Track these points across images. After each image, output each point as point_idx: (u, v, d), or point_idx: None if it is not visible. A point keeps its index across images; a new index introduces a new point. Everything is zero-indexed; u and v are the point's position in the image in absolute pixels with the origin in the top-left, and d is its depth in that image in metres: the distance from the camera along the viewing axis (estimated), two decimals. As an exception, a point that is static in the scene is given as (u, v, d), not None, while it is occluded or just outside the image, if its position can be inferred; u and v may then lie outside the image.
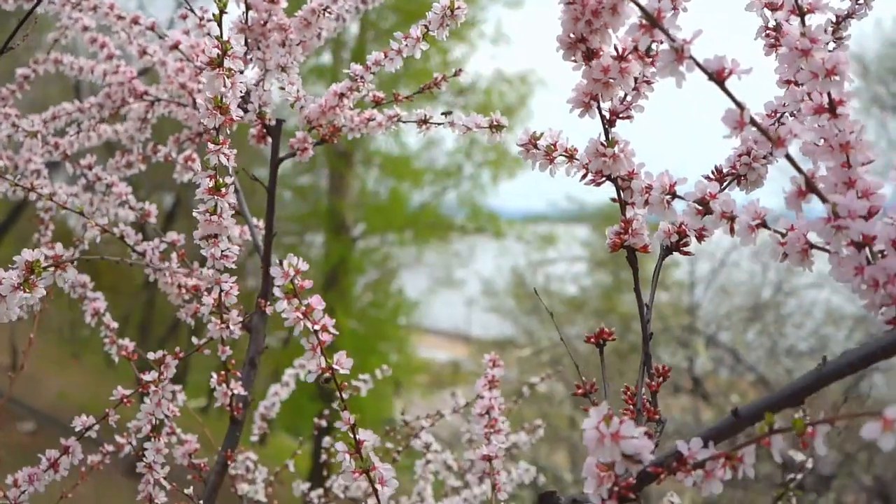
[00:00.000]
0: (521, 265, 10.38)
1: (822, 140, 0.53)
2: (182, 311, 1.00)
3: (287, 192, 11.17)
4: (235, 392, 0.95)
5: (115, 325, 1.07)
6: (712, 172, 0.67)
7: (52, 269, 0.65)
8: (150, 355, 0.89)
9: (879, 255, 0.51)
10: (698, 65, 0.49)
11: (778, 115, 0.67)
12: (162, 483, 0.92)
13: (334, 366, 0.62)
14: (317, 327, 0.61)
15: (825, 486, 5.63)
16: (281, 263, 0.60)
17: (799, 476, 1.08)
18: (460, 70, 0.97)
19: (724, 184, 0.66)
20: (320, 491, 1.34)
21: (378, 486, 0.63)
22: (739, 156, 0.66)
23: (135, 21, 1.08)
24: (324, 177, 11.43)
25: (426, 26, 0.84)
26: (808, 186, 0.51)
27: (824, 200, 0.50)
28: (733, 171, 0.66)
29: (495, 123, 0.80)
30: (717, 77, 0.50)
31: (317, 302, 0.61)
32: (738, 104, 0.50)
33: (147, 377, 0.88)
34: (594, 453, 0.49)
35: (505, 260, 10.57)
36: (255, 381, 1.00)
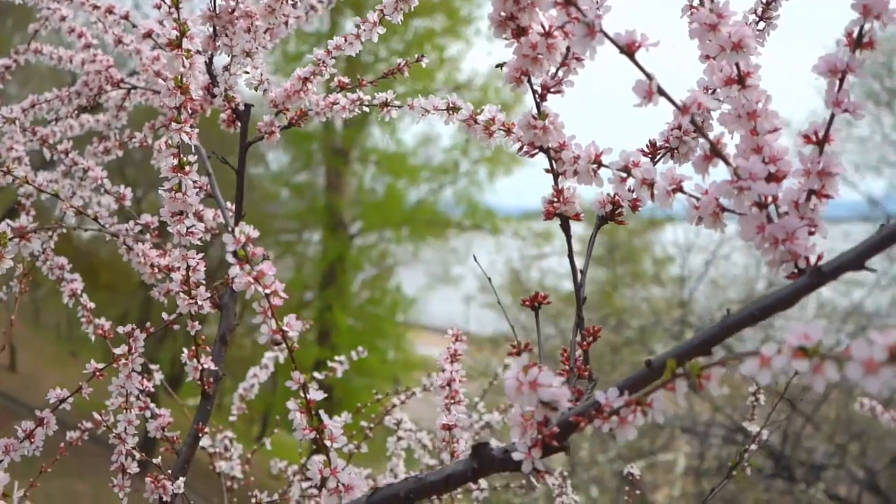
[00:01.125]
0: (517, 261, 10.41)
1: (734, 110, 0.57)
2: (155, 290, 1.04)
3: (284, 190, 11.21)
4: (206, 367, 0.98)
5: (91, 305, 1.11)
6: (646, 146, 0.71)
7: (16, 239, 0.68)
8: (120, 329, 0.92)
9: (785, 215, 0.54)
10: (609, 38, 0.53)
11: (710, 90, 0.70)
12: (133, 454, 0.96)
13: (284, 328, 0.65)
14: (268, 291, 0.64)
15: (815, 477, 5.68)
16: (233, 232, 0.63)
17: (753, 447, 1.11)
18: (422, 56, 1.01)
19: (658, 156, 0.70)
20: (296, 467, 1.38)
21: (328, 443, 0.67)
22: (671, 129, 0.69)
23: (109, 10, 1.11)
24: (321, 174, 11.47)
25: (382, 10, 0.88)
26: (714, 151, 0.54)
27: (728, 164, 0.54)
28: (666, 144, 0.70)
29: (451, 106, 0.84)
30: (628, 50, 0.53)
31: (268, 268, 0.65)
32: (647, 75, 0.53)
33: (118, 350, 0.92)
34: (514, 401, 0.53)
35: (499, 256, 10.60)
36: (225, 356, 1.03)
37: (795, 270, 0.53)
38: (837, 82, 0.54)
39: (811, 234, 0.54)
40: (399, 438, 1.33)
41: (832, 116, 0.54)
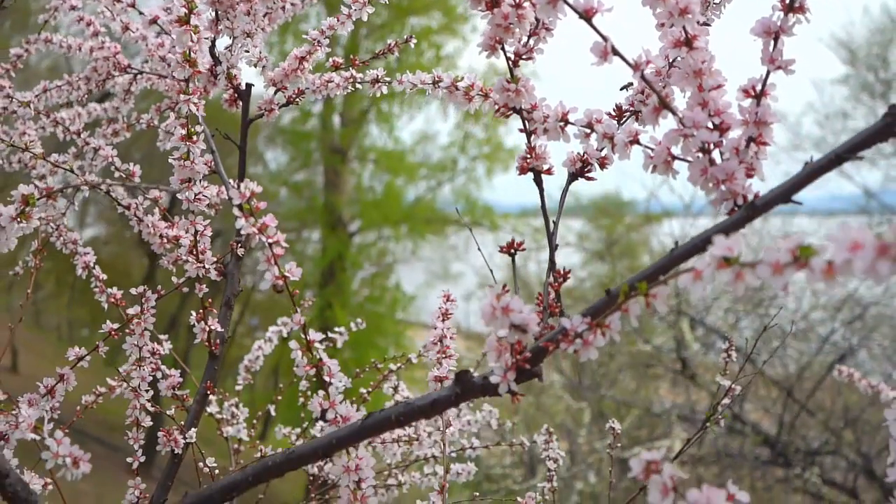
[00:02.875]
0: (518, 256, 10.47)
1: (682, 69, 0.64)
2: (164, 258, 1.11)
3: (283, 189, 11.27)
4: (213, 329, 1.06)
5: (104, 276, 1.18)
6: (613, 109, 0.78)
7: (43, 199, 0.75)
8: (132, 290, 1.00)
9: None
10: (569, 5, 0.60)
11: (670, 59, 0.78)
12: (147, 407, 1.03)
13: (286, 273, 0.72)
14: (271, 240, 0.71)
15: (810, 462, 5.76)
16: (238, 187, 0.70)
17: (726, 401, 1.18)
18: (411, 37, 1.08)
19: (624, 118, 0.77)
20: (298, 430, 1.45)
21: (327, 379, 0.74)
22: (636, 94, 0.77)
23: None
24: (319, 173, 11.53)
25: (371, -9, 0.95)
26: (662, 103, 0.62)
27: (675, 114, 0.61)
28: (631, 107, 0.77)
29: (436, 79, 0.91)
30: (586, 15, 0.60)
31: (270, 220, 0.72)
32: (603, 37, 0.60)
33: (131, 311, 0.99)
34: (489, 324, 0.60)
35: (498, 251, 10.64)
36: (230, 320, 1.11)
37: (735, 207, 0.60)
38: (772, 42, 0.61)
39: (749, 176, 0.61)
40: (397, 403, 1.39)
41: (767, 72, 0.61)
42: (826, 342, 6.62)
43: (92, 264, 1.19)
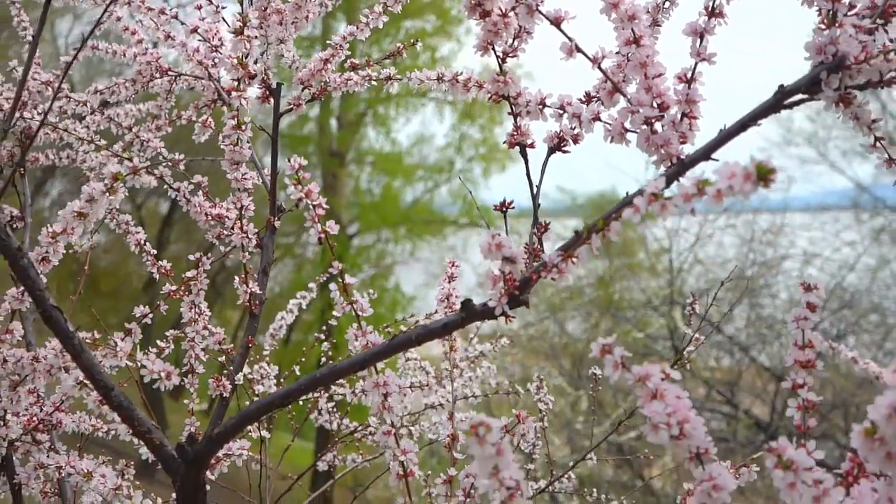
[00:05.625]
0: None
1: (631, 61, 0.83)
2: (209, 233, 1.30)
3: (282, 193, 11.44)
4: (253, 291, 1.25)
5: (154, 251, 1.37)
6: (584, 95, 0.97)
7: (131, 175, 0.94)
8: (190, 257, 1.19)
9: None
10: (543, 15, 0.79)
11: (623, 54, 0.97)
12: (200, 356, 1.22)
13: (327, 228, 0.92)
14: (315, 203, 0.91)
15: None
16: (289, 160, 0.90)
17: (691, 348, 1.37)
18: (417, 40, 1.27)
19: (592, 102, 0.96)
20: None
21: (360, 313, 0.93)
22: (599, 82, 0.96)
23: (161, 12, 1.37)
24: (317, 177, 11.71)
25: (385, 3, 1.14)
26: (615, 88, 0.81)
27: (624, 95, 0.80)
28: (597, 93, 0.96)
29: (440, 75, 1.10)
30: (556, 22, 0.80)
31: (314, 187, 0.91)
32: (569, 38, 0.80)
33: (189, 274, 1.18)
34: (486, 258, 0.79)
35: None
36: (266, 285, 1.30)
37: (670, 164, 0.79)
38: (699, 39, 0.80)
39: (683, 143, 0.80)
40: (407, 360, 1.59)
41: (695, 63, 0.81)
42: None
43: (143, 242, 1.38)
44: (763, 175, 0.57)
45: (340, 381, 1.68)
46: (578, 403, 6.63)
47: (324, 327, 1.87)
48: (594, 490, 1.69)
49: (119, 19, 1.48)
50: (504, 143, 0.92)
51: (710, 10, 0.81)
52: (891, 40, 0.74)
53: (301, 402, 1.60)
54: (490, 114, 11.15)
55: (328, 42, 1.20)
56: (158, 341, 1.32)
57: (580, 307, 8.72)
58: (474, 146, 12.28)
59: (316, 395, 1.64)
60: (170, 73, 1.47)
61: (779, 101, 0.74)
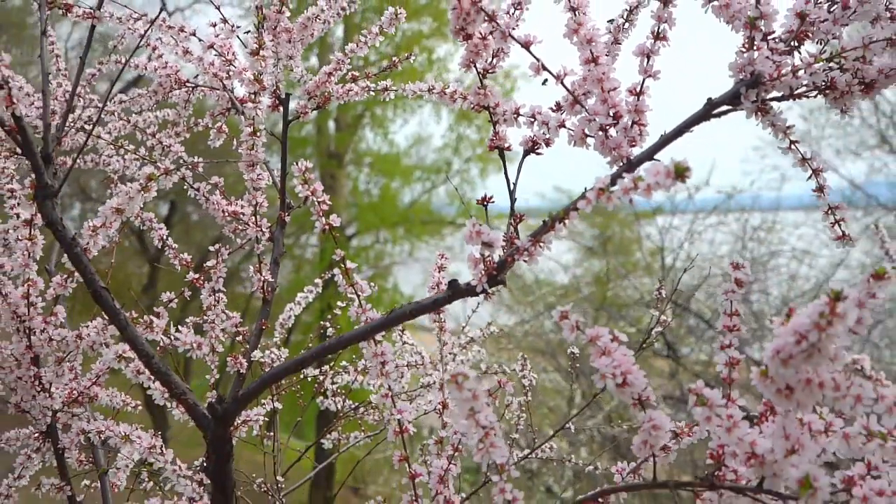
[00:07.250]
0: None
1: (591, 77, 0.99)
2: (226, 228, 1.45)
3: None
4: (266, 279, 1.40)
5: (175, 245, 1.52)
6: (554, 104, 1.12)
7: (162, 175, 1.09)
8: (211, 248, 1.34)
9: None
10: (514, 39, 0.94)
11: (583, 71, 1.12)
12: (220, 337, 1.37)
13: (331, 221, 1.07)
14: (320, 199, 1.06)
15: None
16: (297, 163, 1.05)
17: (658, 330, 1.52)
18: (411, 54, 1.42)
19: (562, 111, 1.12)
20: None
21: (359, 293, 1.08)
22: (564, 97, 1.11)
23: (181, 30, 1.53)
24: (316, 178, 11.85)
25: (381, 25, 1.30)
26: (575, 100, 0.96)
27: (583, 106, 0.96)
28: (563, 104, 1.11)
29: (430, 87, 1.25)
30: (525, 45, 0.95)
31: (319, 186, 1.07)
32: (537, 59, 0.95)
33: (209, 263, 1.33)
34: (468, 242, 0.94)
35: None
36: (277, 274, 1.45)
37: (621, 164, 0.94)
38: (646, 59, 0.96)
39: (633, 146, 0.95)
40: (404, 343, 1.74)
41: (643, 80, 0.96)
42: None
43: (165, 237, 1.53)
44: (680, 172, 0.72)
45: (345, 371, 1.83)
46: (574, 399, 6.79)
47: (323, 322, 2.02)
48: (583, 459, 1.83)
49: (142, 36, 1.63)
50: (486, 146, 1.07)
51: (655, 34, 0.96)
52: (811, 55, 0.90)
53: (309, 380, 1.74)
54: (486, 115, 11.29)
55: (331, 57, 1.35)
56: (180, 326, 1.47)
57: (575, 304, 8.87)
58: (471, 147, 12.42)
59: (322, 377, 1.79)
60: (188, 84, 1.63)
61: (707, 111, 0.89)
